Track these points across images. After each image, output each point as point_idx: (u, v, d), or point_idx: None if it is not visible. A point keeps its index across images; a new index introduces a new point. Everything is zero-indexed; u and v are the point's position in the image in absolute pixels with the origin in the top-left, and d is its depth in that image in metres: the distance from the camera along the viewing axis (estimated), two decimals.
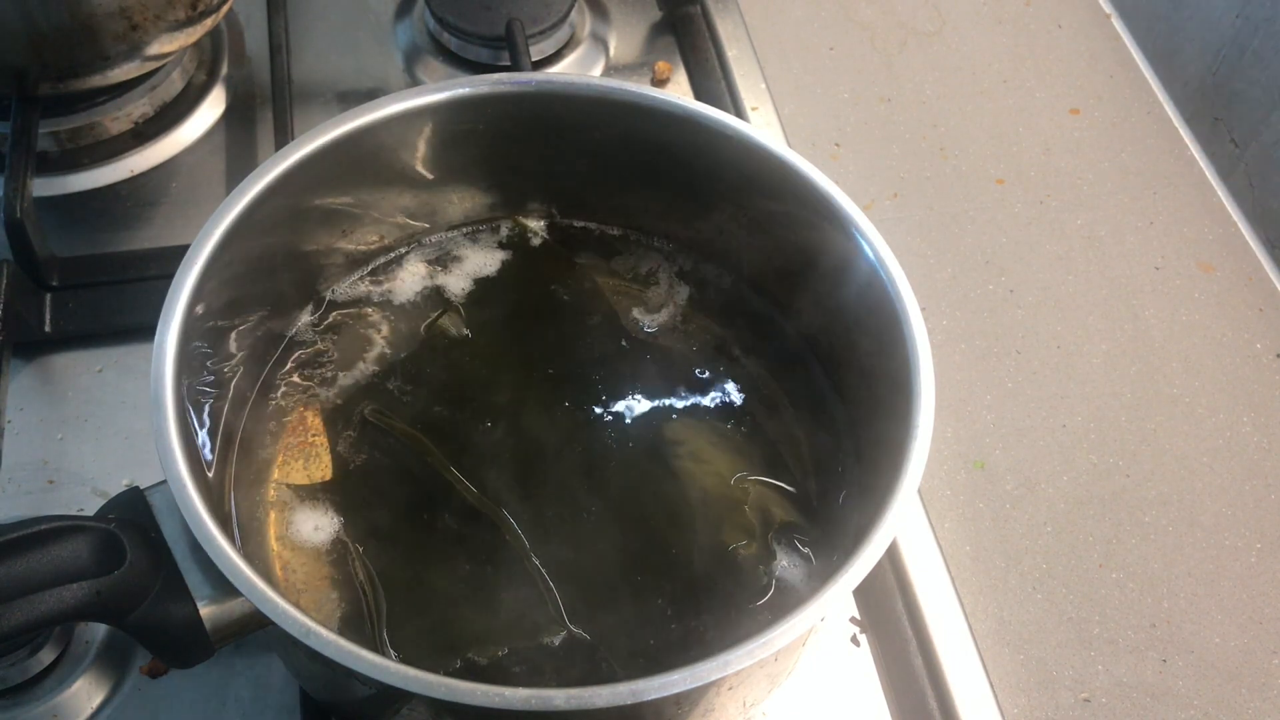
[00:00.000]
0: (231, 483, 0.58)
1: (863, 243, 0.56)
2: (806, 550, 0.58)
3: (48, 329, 0.73)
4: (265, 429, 0.61)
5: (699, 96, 0.90)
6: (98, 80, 0.77)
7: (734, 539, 0.58)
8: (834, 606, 0.47)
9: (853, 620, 0.67)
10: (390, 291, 0.66)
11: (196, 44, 0.85)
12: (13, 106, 0.76)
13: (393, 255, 0.68)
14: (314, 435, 0.61)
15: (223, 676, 0.61)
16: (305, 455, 0.60)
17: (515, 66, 0.83)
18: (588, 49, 0.92)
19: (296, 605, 0.44)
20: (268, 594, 0.44)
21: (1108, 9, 1.05)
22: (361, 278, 0.67)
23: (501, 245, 0.69)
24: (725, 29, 0.94)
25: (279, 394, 0.62)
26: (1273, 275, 0.87)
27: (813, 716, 0.63)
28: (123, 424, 0.70)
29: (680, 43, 0.94)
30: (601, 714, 0.44)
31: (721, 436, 0.62)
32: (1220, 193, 0.91)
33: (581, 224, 0.69)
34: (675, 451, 0.61)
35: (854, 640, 0.66)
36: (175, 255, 0.53)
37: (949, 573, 0.68)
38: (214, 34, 0.89)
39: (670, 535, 0.58)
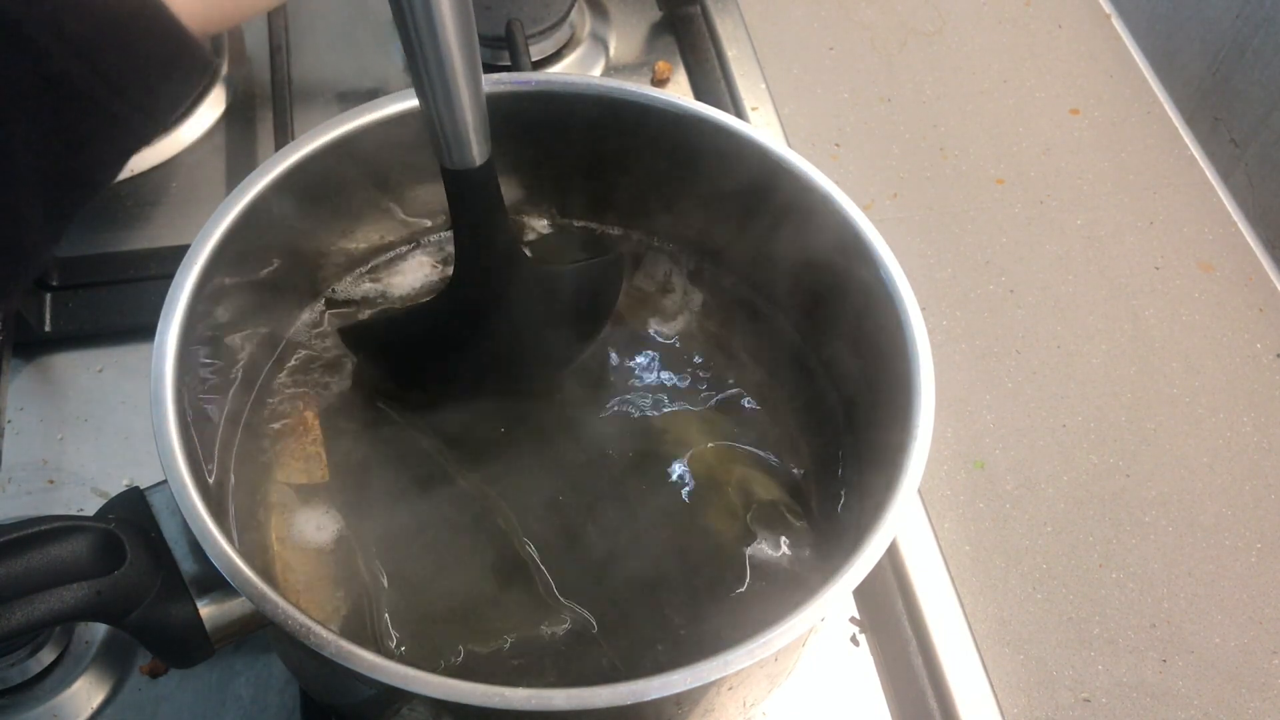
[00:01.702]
0: (231, 483, 0.58)
1: (863, 243, 0.56)
2: (805, 548, 0.58)
3: (48, 329, 0.73)
4: (265, 428, 0.61)
5: (699, 96, 0.90)
6: None
7: (733, 537, 0.58)
8: (834, 606, 0.47)
9: (853, 620, 0.67)
10: (391, 290, 0.66)
11: None
12: None
13: (393, 254, 0.68)
14: (314, 434, 0.61)
15: (223, 676, 0.61)
16: (305, 455, 0.60)
17: (515, 66, 0.83)
18: (588, 49, 0.92)
19: (296, 605, 0.44)
20: (268, 594, 0.44)
21: (1108, 9, 1.05)
22: (362, 276, 0.67)
23: None
24: (725, 29, 0.94)
25: (279, 393, 0.62)
26: (1273, 275, 0.87)
27: (813, 716, 0.63)
28: (123, 424, 0.70)
29: (680, 43, 0.94)
30: (601, 714, 0.44)
31: (720, 435, 0.62)
32: (1220, 193, 0.91)
33: (581, 224, 0.69)
34: (674, 450, 0.61)
35: (854, 640, 0.66)
36: (175, 255, 0.53)
37: (949, 573, 0.68)
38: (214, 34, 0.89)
39: (670, 533, 0.58)
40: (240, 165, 0.83)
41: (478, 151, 0.52)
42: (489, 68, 0.89)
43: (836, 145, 0.92)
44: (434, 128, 0.51)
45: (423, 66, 0.48)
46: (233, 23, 0.39)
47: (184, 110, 0.85)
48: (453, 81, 0.49)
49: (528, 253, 0.67)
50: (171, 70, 0.36)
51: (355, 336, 0.62)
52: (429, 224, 0.68)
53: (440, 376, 0.62)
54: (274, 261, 0.60)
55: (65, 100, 0.33)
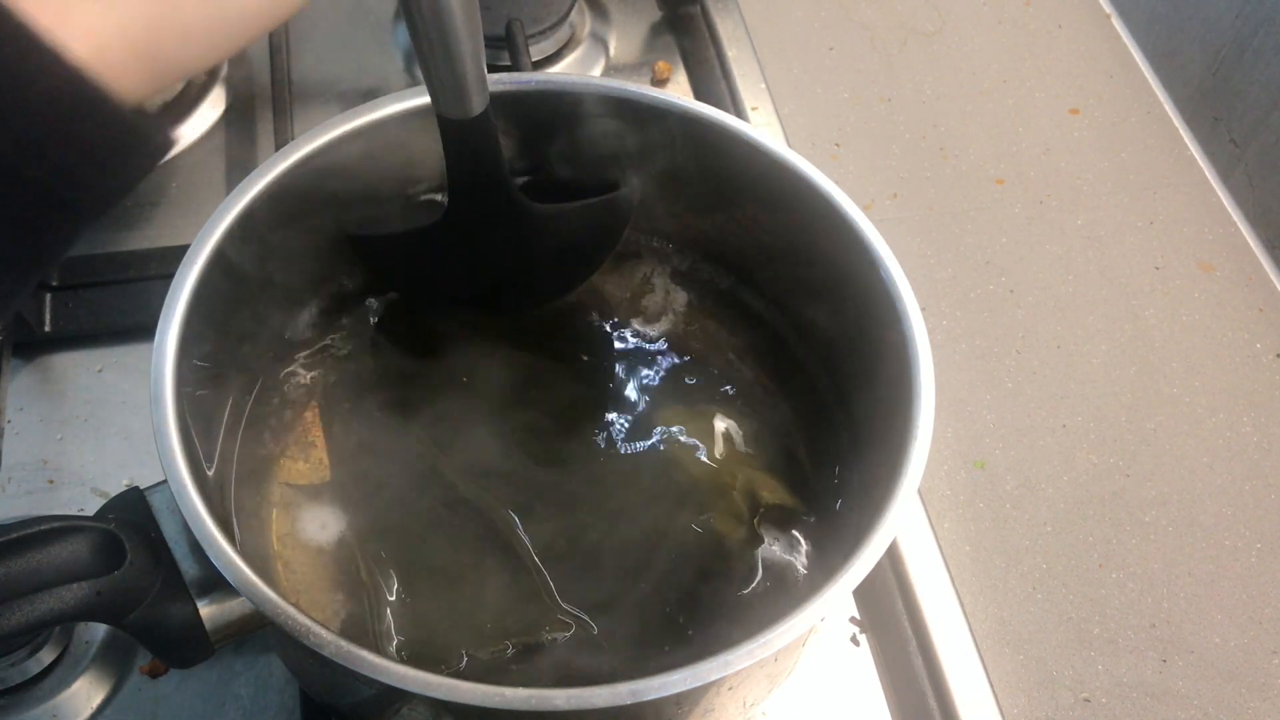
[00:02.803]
0: (232, 483, 0.58)
1: (863, 243, 0.56)
2: (805, 549, 0.58)
3: (48, 329, 0.73)
4: (266, 428, 0.61)
5: (699, 96, 0.90)
6: None
7: (732, 537, 0.58)
8: (834, 606, 0.47)
9: (853, 620, 0.67)
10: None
11: None
12: None
13: None
14: (314, 435, 0.61)
15: (223, 676, 0.61)
16: (306, 455, 0.60)
17: (515, 66, 0.83)
18: (588, 49, 0.92)
19: (296, 605, 0.44)
20: (267, 594, 0.44)
21: (1108, 9, 1.05)
22: (362, 277, 0.66)
23: None
24: (725, 29, 0.94)
25: (280, 393, 0.62)
26: (1273, 275, 0.87)
27: (813, 716, 0.63)
28: (123, 424, 0.70)
29: (680, 43, 0.94)
30: (601, 714, 0.44)
31: (720, 436, 0.62)
32: (1220, 193, 0.91)
33: None
34: (674, 451, 0.61)
35: (854, 640, 0.66)
36: (175, 255, 0.53)
37: (949, 573, 0.68)
38: None
39: (670, 533, 0.58)
40: (240, 165, 0.83)
41: (476, 101, 0.51)
42: (489, 68, 0.89)
43: (836, 145, 0.92)
44: (429, 76, 0.50)
45: (418, 13, 0.47)
46: (176, 81, 0.39)
47: (184, 110, 0.85)
48: (450, 28, 0.48)
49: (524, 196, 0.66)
50: (122, 157, 0.36)
51: (361, 245, 0.62)
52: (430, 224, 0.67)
53: (438, 292, 0.63)
54: (274, 261, 0.60)
55: (15, 192, 0.34)
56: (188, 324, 0.52)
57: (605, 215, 0.63)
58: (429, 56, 0.49)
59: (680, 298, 0.67)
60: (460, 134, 0.53)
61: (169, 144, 0.39)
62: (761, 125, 0.87)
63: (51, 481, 0.68)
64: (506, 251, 0.60)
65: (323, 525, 0.58)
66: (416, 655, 0.54)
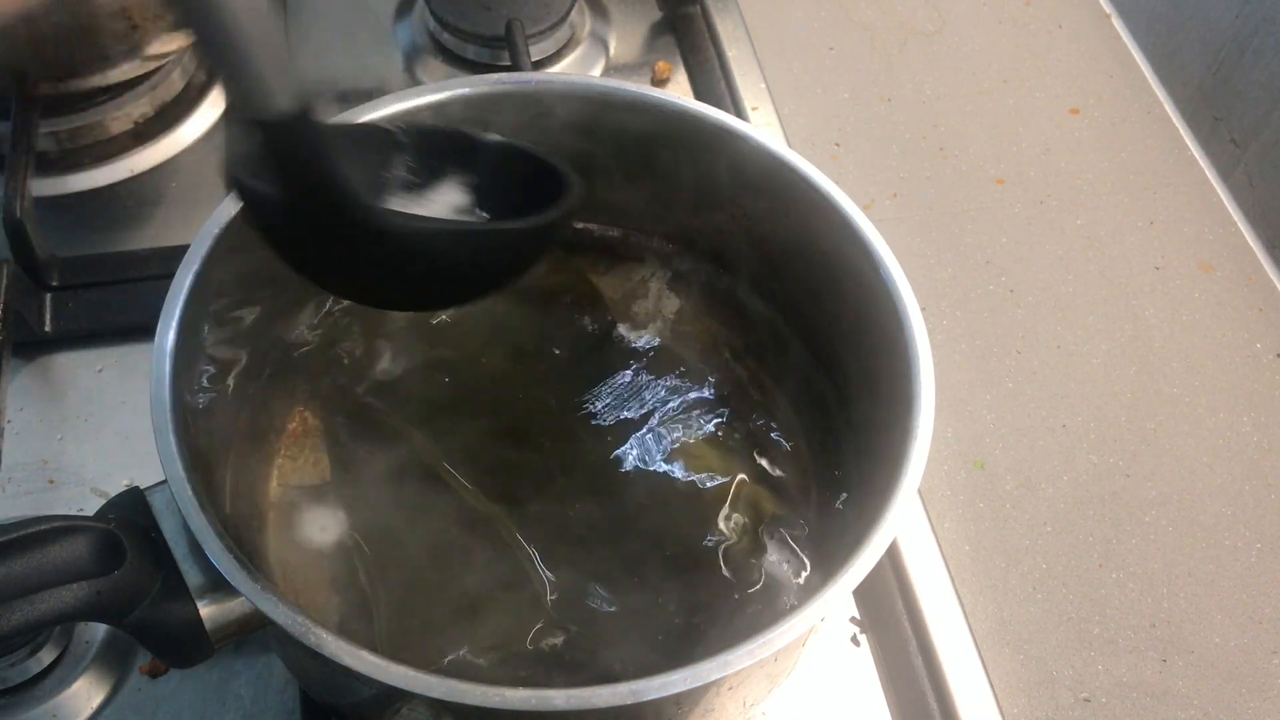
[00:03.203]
0: (232, 482, 0.58)
1: (863, 243, 0.56)
2: (805, 550, 0.58)
3: (48, 329, 0.73)
4: (266, 428, 0.61)
5: (699, 96, 0.90)
6: (98, 80, 0.77)
7: (733, 538, 0.58)
8: (834, 606, 0.47)
9: (853, 620, 0.67)
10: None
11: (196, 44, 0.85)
12: (12, 106, 0.76)
13: None
14: (314, 435, 0.61)
15: (223, 676, 0.61)
16: (305, 455, 0.60)
17: (515, 66, 0.83)
18: (588, 49, 0.92)
19: (296, 605, 0.44)
20: (267, 594, 0.44)
21: (1108, 9, 1.05)
22: None
23: None
24: (725, 29, 0.94)
25: (279, 393, 0.62)
26: (1273, 275, 0.87)
27: (813, 716, 0.63)
28: (123, 424, 0.70)
29: (680, 43, 0.94)
30: (601, 714, 0.44)
31: (719, 437, 0.62)
32: (1220, 193, 0.91)
33: (581, 225, 0.69)
34: (675, 455, 0.61)
35: (854, 640, 0.66)
36: (175, 255, 0.53)
37: (949, 573, 0.68)
38: None
39: (668, 535, 0.58)
40: None
41: (280, 98, 0.42)
42: (489, 68, 0.89)
43: (836, 145, 0.92)
44: (217, 67, 0.42)
45: None
46: None
47: (184, 110, 0.85)
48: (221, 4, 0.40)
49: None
50: None
51: (245, 195, 0.50)
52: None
53: (326, 278, 0.54)
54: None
55: None
56: (188, 324, 0.52)
57: (507, 242, 0.53)
58: (205, 41, 0.41)
59: (678, 298, 0.67)
60: (270, 138, 0.43)
61: None
62: (761, 125, 0.87)
63: (51, 481, 0.68)
64: (373, 261, 0.50)
65: (322, 526, 0.58)
66: (412, 659, 0.54)
